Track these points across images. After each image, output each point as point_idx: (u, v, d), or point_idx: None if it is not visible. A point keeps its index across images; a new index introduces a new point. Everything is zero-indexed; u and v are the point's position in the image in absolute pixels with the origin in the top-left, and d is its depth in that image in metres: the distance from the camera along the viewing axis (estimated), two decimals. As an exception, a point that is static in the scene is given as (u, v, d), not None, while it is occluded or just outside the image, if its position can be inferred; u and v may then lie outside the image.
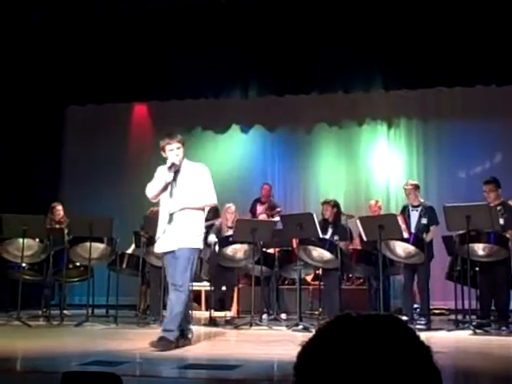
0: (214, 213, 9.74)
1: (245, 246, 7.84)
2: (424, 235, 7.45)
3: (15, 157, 10.64)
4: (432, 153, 10.65)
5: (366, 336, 0.91)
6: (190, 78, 10.19)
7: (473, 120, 10.37)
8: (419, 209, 7.64)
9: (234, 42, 9.86)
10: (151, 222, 6.73)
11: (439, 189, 10.12)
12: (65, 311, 8.19)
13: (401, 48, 9.47)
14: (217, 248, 8.01)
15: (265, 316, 8.18)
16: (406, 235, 7.26)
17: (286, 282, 9.22)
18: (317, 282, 8.54)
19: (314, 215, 7.47)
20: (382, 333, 0.91)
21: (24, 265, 8.09)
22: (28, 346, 5.64)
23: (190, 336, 5.70)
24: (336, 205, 8.30)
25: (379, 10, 9.54)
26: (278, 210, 9.63)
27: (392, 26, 9.49)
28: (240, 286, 8.94)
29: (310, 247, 7.65)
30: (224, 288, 8.36)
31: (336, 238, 7.84)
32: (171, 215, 5.51)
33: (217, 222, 9.20)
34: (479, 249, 7.19)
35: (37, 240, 8.09)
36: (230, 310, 8.40)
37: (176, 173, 5.58)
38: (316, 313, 8.44)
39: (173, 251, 5.51)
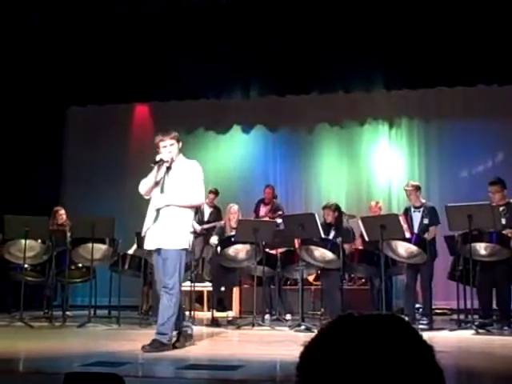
0: (216, 214, 9.77)
1: (247, 247, 7.84)
2: (426, 235, 7.45)
3: (16, 157, 10.65)
4: (433, 152, 10.64)
5: (369, 336, 0.90)
6: (190, 78, 10.19)
7: (474, 120, 10.36)
8: (421, 209, 7.63)
9: (234, 42, 9.86)
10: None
11: (441, 189, 10.11)
12: (67, 312, 8.19)
13: (402, 48, 9.46)
14: (219, 249, 8.00)
15: (267, 316, 8.17)
16: (407, 235, 7.26)
17: (289, 283, 9.22)
18: (319, 282, 8.54)
19: (316, 215, 7.47)
20: (385, 332, 0.91)
21: (26, 266, 8.09)
22: (30, 347, 5.64)
23: (190, 332, 5.70)
24: (337, 208, 8.29)
25: (380, 10, 9.54)
26: (280, 213, 9.63)
27: (393, 26, 9.49)
28: (242, 286, 8.94)
29: (312, 247, 7.65)
30: (223, 288, 8.35)
31: (339, 239, 7.83)
32: (158, 211, 5.47)
33: (222, 222, 9.23)
34: (481, 248, 7.18)
35: (39, 241, 8.10)
36: (230, 310, 8.39)
37: (168, 169, 5.55)
38: (318, 313, 8.44)
39: (159, 249, 5.47)
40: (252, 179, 10.85)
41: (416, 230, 7.53)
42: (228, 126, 11.43)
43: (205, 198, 5.89)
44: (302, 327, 6.94)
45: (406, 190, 7.87)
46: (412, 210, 7.69)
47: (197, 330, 7.31)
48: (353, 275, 9.17)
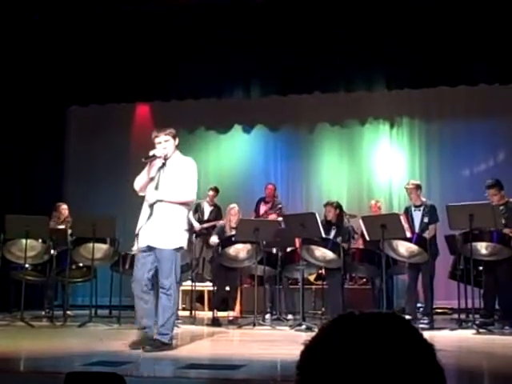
0: (216, 213, 9.76)
1: (247, 246, 7.84)
2: (426, 234, 7.45)
3: (18, 157, 10.65)
4: (435, 152, 10.63)
5: (369, 334, 0.90)
6: (191, 78, 10.18)
7: (476, 119, 10.36)
8: (421, 208, 7.64)
9: (235, 41, 9.85)
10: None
11: (442, 188, 10.10)
12: (68, 312, 8.19)
13: (403, 47, 9.45)
14: (219, 248, 8.00)
15: (267, 316, 8.17)
16: (408, 234, 7.25)
17: (290, 282, 9.22)
18: (320, 282, 8.54)
19: (317, 215, 7.47)
20: (385, 331, 0.91)
21: (27, 265, 8.09)
22: (31, 347, 5.64)
23: (150, 333, 5.50)
24: (339, 206, 8.31)
25: (381, 10, 9.52)
26: (280, 206, 9.64)
27: (394, 26, 9.48)
28: (243, 286, 8.94)
29: (313, 247, 7.65)
30: (228, 288, 8.35)
31: (339, 239, 7.83)
32: (151, 208, 5.42)
33: (220, 223, 9.22)
34: (482, 248, 7.19)
35: (40, 241, 8.10)
36: (233, 310, 8.40)
37: (163, 166, 5.51)
38: (319, 312, 8.44)
39: (153, 248, 5.40)
40: (253, 179, 10.85)
41: (417, 228, 7.53)
42: (229, 126, 11.43)
43: (202, 196, 5.83)
44: (303, 327, 6.94)
45: (406, 189, 7.87)
46: (412, 209, 7.69)
47: (198, 329, 7.32)
48: (354, 275, 9.16)
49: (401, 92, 10.31)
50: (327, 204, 8.31)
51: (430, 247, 7.28)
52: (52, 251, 8.19)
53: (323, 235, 7.49)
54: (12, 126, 10.41)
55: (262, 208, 9.92)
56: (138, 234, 5.52)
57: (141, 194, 5.64)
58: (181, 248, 5.54)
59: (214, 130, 11.47)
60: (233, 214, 8.33)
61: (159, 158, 5.47)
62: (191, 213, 8.78)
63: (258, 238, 7.45)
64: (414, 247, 7.33)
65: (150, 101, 11.18)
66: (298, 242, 7.89)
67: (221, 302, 8.31)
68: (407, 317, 6.77)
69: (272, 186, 10.02)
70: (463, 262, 7.65)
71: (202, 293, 9.33)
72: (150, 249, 5.44)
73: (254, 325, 7.19)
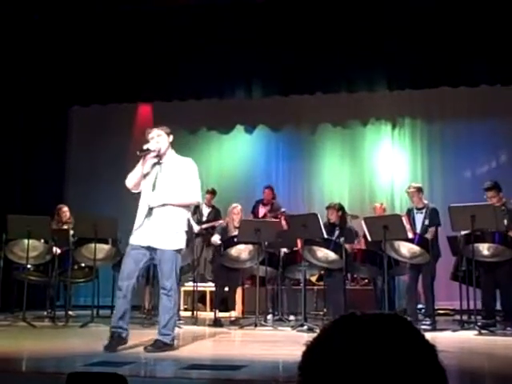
0: (214, 214, 9.79)
1: (249, 247, 7.83)
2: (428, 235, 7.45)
3: (19, 157, 10.66)
4: (436, 152, 10.63)
5: (371, 335, 0.90)
6: (193, 78, 10.19)
7: (477, 120, 10.35)
8: (423, 211, 7.63)
9: (237, 42, 9.85)
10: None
11: (444, 189, 10.10)
12: (70, 312, 8.20)
13: (405, 48, 9.45)
14: (221, 249, 8.00)
15: (269, 316, 8.17)
16: (410, 235, 7.25)
17: (292, 283, 9.22)
18: (321, 283, 8.54)
19: (319, 215, 7.47)
20: (387, 332, 0.91)
21: (29, 266, 8.10)
22: (33, 347, 5.64)
23: (124, 335, 5.42)
24: (341, 208, 8.32)
25: (383, 10, 9.52)
26: (283, 210, 9.66)
27: (396, 26, 9.47)
28: (245, 286, 8.94)
29: (315, 247, 7.65)
30: (227, 289, 8.35)
31: (342, 239, 7.83)
32: (151, 209, 5.35)
33: (220, 222, 9.24)
34: (484, 249, 7.18)
35: (42, 241, 8.11)
36: (233, 310, 8.40)
37: (159, 164, 5.46)
38: (321, 313, 8.44)
39: (154, 249, 5.35)
40: (255, 179, 10.86)
41: (418, 231, 7.52)
42: (231, 126, 11.44)
43: (201, 197, 5.79)
44: (305, 327, 6.93)
45: (408, 193, 7.86)
46: (415, 211, 7.68)
47: (199, 330, 7.32)
48: (356, 275, 9.16)
49: (402, 93, 10.31)
50: (329, 207, 8.32)
51: (432, 249, 7.28)
52: (55, 249, 8.20)
53: (325, 236, 7.49)
54: (14, 126, 10.42)
55: (261, 210, 9.95)
56: (133, 232, 5.43)
57: (133, 191, 5.55)
58: (181, 249, 5.53)
59: (215, 130, 11.48)
60: (235, 213, 8.34)
61: (153, 151, 5.42)
62: (190, 214, 8.79)
63: (259, 238, 7.45)
64: (415, 248, 7.32)
65: (152, 101, 11.19)
66: (299, 242, 7.89)
67: (222, 302, 8.31)
68: (409, 318, 6.77)
69: (269, 191, 10.04)
70: (465, 263, 7.64)
71: (203, 293, 9.34)
72: (147, 249, 5.39)
73: (256, 325, 7.19)
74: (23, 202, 10.25)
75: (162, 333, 5.37)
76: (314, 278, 9.01)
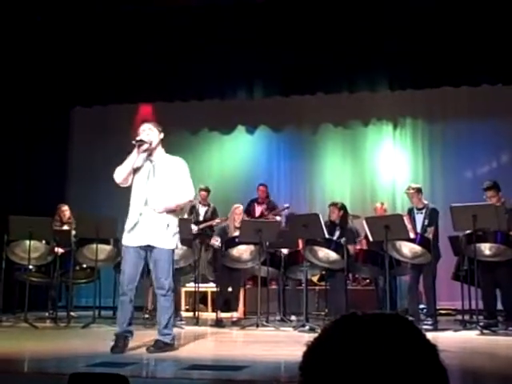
0: (211, 213, 9.81)
1: (251, 247, 7.83)
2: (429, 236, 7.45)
3: (22, 158, 10.67)
4: (438, 153, 10.63)
5: (372, 335, 0.90)
6: (194, 78, 10.20)
7: (479, 120, 10.34)
8: (423, 211, 7.63)
9: (238, 42, 9.85)
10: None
11: (445, 189, 10.09)
12: (72, 313, 8.21)
13: (406, 48, 9.44)
14: (223, 249, 8.00)
15: (278, 317, 8.16)
16: (412, 235, 7.24)
17: (294, 283, 9.21)
18: (323, 283, 8.54)
19: (320, 216, 7.47)
20: (388, 331, 0.91)
21: (31, 267, 8.10)
22: (35, 348, 5.64)
23: (130, 338, 5.45)
24: (343, 207, 8.32)
25: (384, 10, 9.52)
26: (287, 205, 9.72)
27: (397, 26, 9.47)
28: (246, 287, 8.94)
29: (316, 248, 7.65)
30: (230, 289, 8.35)
31: (343, 240, 7.83)
32: (145, 205, 5.32)
33: (217, 220, 9.26)
34: (486, 249, 7.17)
35: (43, 242, 8.12)
36: (236, 310, 8.40)
37: (150, 161, 5.44)
38: (322, 313, 8.44)
39: (151, 248, 5.33)
40: (256, 179, 10.84)
41: (418, 231, 7.51)
42: (232, 127, 11.44)
43: (193, 194, 5.76)
44: (307, 327, 6.93)
45: (407, 194, 7.86)
46: (415, 211, 7.68)
47: (201, 330, 7.32)
48: (357, 276, 9.16)
49: (403, 93, 10.31)
50: (332, 204, 8.34)
51: (433, 249, 7.27)
52: (57, 249, 8.21)
53: (326, 236, 7.49)
54: (16, 127, 10.43)
55: (258, 209, 9.96)
56: (128, 231, 5.38)
57: (122, 185, 5.49)
58: (175, 248, 5.55)
59: (217, 130, 11.49)
60: (237, 214, 8.35)
61: (146, 143, 5.40)
62: (186, 215, 8.80)
63: (261, 238, 7.45)
64: (417, 248, 7.32)
65: (153, 102, 11.19)
66: (301, 242, 7.89)
67: (223, 302, 8.31)
68: (410, 318, 6.77)
69: (264, 188, 10.06)
70: (467, 263, 7.64)
71: (205, 294, 9.34)
72: (143, 248, 5.36)
73: (258, 326, 7.19)
74: (25, 202, 10.26)
75: (163, 333, 5.37)
76: (315, 279, 9.01)
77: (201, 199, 9.69)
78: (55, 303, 8.53)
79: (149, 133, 5.46)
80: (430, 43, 9.33)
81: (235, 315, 8.26)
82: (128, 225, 5.41)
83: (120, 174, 5.45)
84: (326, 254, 7.67)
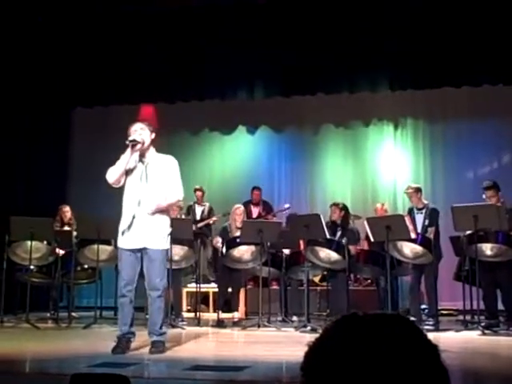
0: (207, 212, 9.84)
1: (252, 248, 7.83)
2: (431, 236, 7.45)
3: (22, 158, 10.67)
4: (439, 153, 10.62)
5: (373, 335, 0.90)
6: (195, 79, 10.20)
7: (480, 120, 10.34)
8: (423, 211, 7.62)
9: (238, 43, 9.85)
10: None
11: (446, 189, 10.09)
12: (73, 313, 8.21)
13: (407, 48, 9.43)
14: (224, 250, 8.00)
15: (279, 318, 8.16)
16: (413, 236, 7.24)
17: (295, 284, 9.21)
18: (324, 283, 8.54)
19: (321, 216, 7.47)
20: (389, 331, 0.91)
21: (32, 267, 8.10)
22: (36, 348, 5.64)
23: (132, 340, 5.46)
24: (344, 208, 8.32)
25: (384, 11, 9.51)
26: (287, 206, 9.77)
27: (397, 26, 9.46)
28: (248, 287, 8.94)
29: (317, 248, 7.65)
30: (230, 290, 8.35)
31: (344, 240, 7.83)
32: (138, 205, 5.32)
33: (214, 219, 9.28)
34: (487, 249, 7.17)
35: (45, 242, 8.12)
36: (236, 311, 8.39)
37: (142, 162, 5.43)
38: (324, 314, 8.43)
39: (146, 249, 5.31)
40: (257, 180, 10.85)
41: (419, 231, 7.51)
42: (233, 127, 11.45)
43: (183, 193, 5.74)
44: (308, 328, 6.93)
45: (406, 193, 7.86)
46: (415, 211, 7.67)
47: (202, 331, 7.33)
48: (359, 276, 9.16)
49: (404, 93, 10.30)
50: (333, 205, 8.35)
51: (434, 249, 7.27)
52: (58, 250, 8.21)
53: (327, 236, 7.49)
54: (17, 128, 10.43)
55: (254, 210, 10.06)
56: (123, 233, 5.36)
57: (114, 186, 5.49)
58: (168, 249, 5.57)
59: (218, 131, 11.49)
60: (238, 214, 8.35)
61: (139, 143, 5.37)
62: (183, 215, 8.83)
63: (262, 239, 7.45)
64: (418, 248, 7.32)
65: (154, 102, 11.19)
66: (302, 243, 7.89)
67: (224, 303, 8.31)
68: (412, 318, 6.76)
69: (258, 191, 10.25)
70: (468, 264, 7.63)
71: (206, 294, 9.34)
72: (139, 250, 5.34)
73: (259, 326, 7.19)
74: (26, 202, 10.26)
75: (160, 333, 5.38)
76: (316, 279, 9.01)
77: (197, 199, 9.80)
78: (56, 304, 8.53)
79: (141, 133, 5.45)
80: (431, 43, 9.32)
81: (236, 316, 8.26)
82: (122, 227, 5.39)
83: (113, 175, 5.47)
84: (327, 254, 7.67)
